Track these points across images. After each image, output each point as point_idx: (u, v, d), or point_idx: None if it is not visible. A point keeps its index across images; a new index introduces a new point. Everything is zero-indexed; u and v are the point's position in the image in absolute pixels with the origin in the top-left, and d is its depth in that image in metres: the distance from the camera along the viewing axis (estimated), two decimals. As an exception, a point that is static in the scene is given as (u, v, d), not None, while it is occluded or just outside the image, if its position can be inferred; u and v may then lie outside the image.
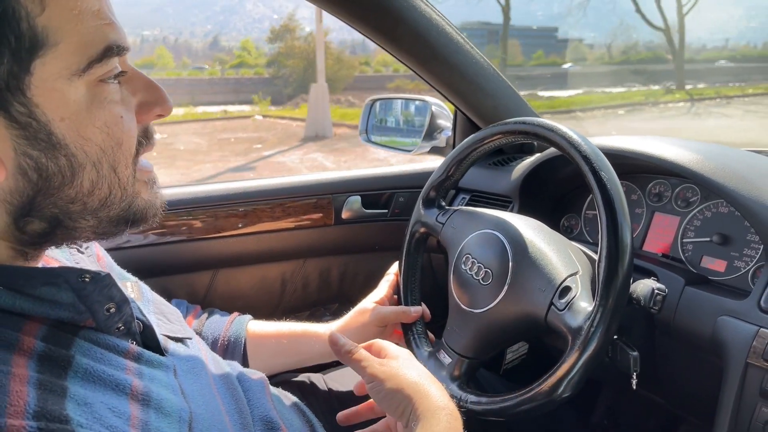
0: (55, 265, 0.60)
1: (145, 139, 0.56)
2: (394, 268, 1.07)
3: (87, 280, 0.52)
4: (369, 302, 0.99)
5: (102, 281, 0.54)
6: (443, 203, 1.03)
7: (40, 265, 0.56)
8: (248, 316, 1.01)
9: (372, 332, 0.95)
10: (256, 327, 0.99)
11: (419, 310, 0.97)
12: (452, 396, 0.81)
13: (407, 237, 1.04)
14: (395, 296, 1.03)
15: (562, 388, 0.71)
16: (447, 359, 0.88)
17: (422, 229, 1.02)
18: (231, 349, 0.95)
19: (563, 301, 0.75)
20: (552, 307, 0.76)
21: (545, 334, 0.91)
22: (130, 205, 0.54)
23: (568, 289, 0.77)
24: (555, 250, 0.83)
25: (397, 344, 0.77)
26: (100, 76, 0.48)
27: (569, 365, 0.71)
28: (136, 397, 0.50)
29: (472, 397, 0.81)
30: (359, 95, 19.28)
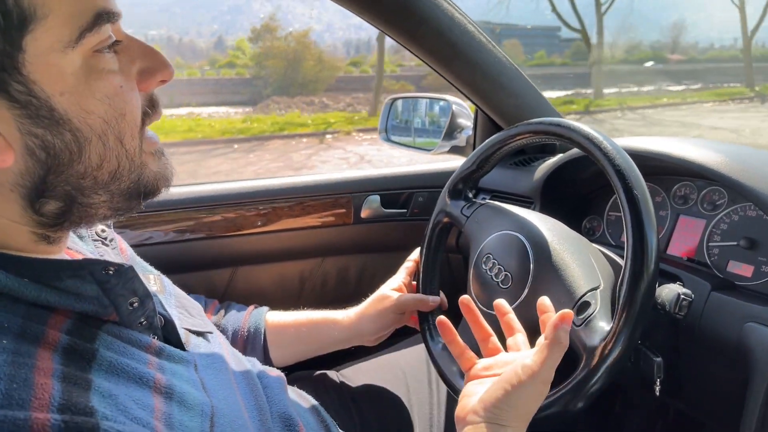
0: (81, 257, 0.60)
1: (151, 108, 0.55)
2: (414, 255, 1.07)
3: (111, 272, 0.52)
4: (388, 289, 0.99)
5: (126, 274, 0.54)
6: (470, 195, 1.03)
7: (64, 254, 0.57)
8: (265, 308, 1.02)
9: (390, 318, 0.96)
10: (275, 317, 1.00)
11: (437, 299, 0.97)
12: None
13: (430, 225, 1.03)
14: (414, 283, 1.03)
15: (572, 403, 0.70)
16: None
17: (446, 219, 1.02)
18: (251, 339, 0.96)
19: (581, 317, 0.73)
20: None
21: None
22: (140, 176, 0.53)
23: (587, 304, 0.75)
24: (578, 260, 0.81)
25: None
26: (95, 46, 0.47)
27: (579, 381, 0.70)
28: (160, 390, 0.50)
29: None
30: (335, 96, 18.99)
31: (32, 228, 0.50)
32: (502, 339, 0.75)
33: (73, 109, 0.46)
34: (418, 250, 1.06)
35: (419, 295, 0.97)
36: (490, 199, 1.30)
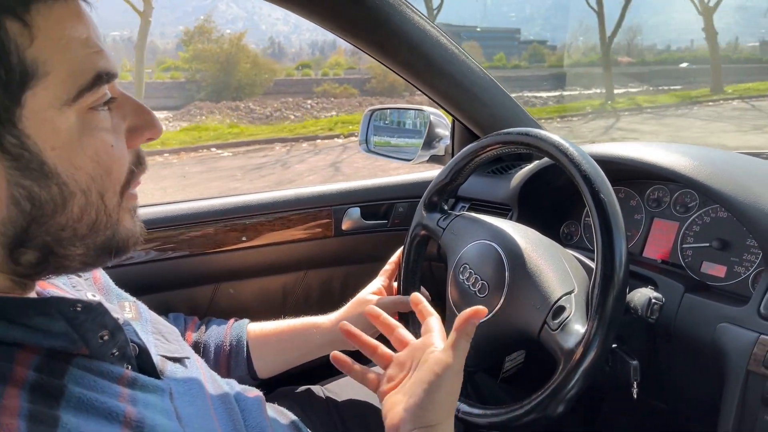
0: (52, 289, 0.60)
1: (137, 165, 0.56)
2: (393, 258, 1.08)
3: (79, 309, 0.52)
4: (367, 293, 1.00)
5: (94, 310, 0.54)
6: (445, 207, 1.04)
7: (36, 290, 0.56)
8: (246, 320, 1.02)
9: (370, 322, 0.95)
10: (256, 327, 1.00)
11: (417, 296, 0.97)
12: None
13: (407, 239, 1.04)
14: (394, 286, 1.04)
15: (551, 408, 0.71)
16: None
17: (423, 232, 1.03)
18: (234, 352, 0.95)
19: (557, 321, 0.75)
20: (545, 326, 0.76)
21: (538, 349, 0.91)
22: (114, 233, 0.54)
23: (562, 309, 0.76)
24: (552, 266, 0.83)
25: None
26: (91, 104, 0.48)
27: (557, 386, 0.71)
28: (130, 424, 0.49)
29: (464, 407, 0.81)
30: (263, 101, 18.55)
31: (9, 275, 0.50)
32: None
33: (63, 164, 0.47)
34: (397, 253, 1.07)
35: (398, 297, 0.98)
36: (468, 208, 1.32)
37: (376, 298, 0.98)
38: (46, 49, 0.44)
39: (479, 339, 0.84)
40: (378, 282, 1.03)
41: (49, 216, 0.48)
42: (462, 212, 1.03)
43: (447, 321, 0.92)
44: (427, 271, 1.46)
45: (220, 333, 0.98)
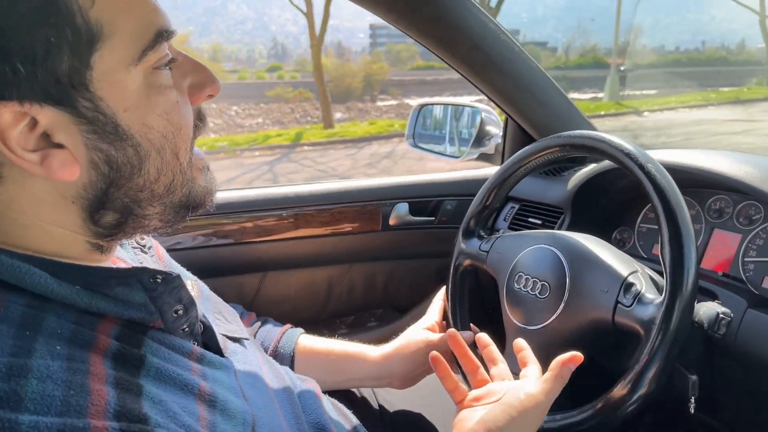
0: (122, 264, 0.61)
1: (200, 121, 0.57)
2: (441, 293, 1.03)
3: (159, 280, 0.53)
4: (418, 329, 0.94)
5: (172, 282, 0.54)
6: (483, 233, 1.02)
7: (111, 263, 0.58)
8: (300, 330, 0.99)
9: (421, 360, 0.90)
10: (307, 341, 0.96)
11: (470, 335, 0.91)
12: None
13: (451, 271, 1.02)
14: (444, 322, 0.99)
15: (645, 385, 0.69)
16: None
17: (467, 262, 1.00)
18: (280, 360, 0.93)
19: (629, 296, 0.74)
20: (618, 305, 0.75)
21: (606, 349, 0.89)
22: (191, 190, 0.55)
23: (632, 285, 0.76)
24: (610, 253, 0.82)
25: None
26: (154, 63, 0.49)
27: (647, 359, 0.69)
28: (204, 398, 0.50)
29: (558, 415, 0.79)
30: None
31: (88, 238, 0.52)
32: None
33: (136, 125, 0.48)
34: (443, 290, 1.03)
35: (449, 331, 0.88)
36: (518, 209, 1.30)
37: (427, 333, 0.93)
38: (107, 9, 0.45)
39: (545, 345, 0.83)
40: (430, 318, 0.97)
41: (127, 178, 0.49)
42: (502, 233, 1.01)
43: (507, 340, 0.89)
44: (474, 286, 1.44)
45: (271, 335, 0.96)
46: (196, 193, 0.56)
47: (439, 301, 1.02)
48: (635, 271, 0.78)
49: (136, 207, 0.52)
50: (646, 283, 0.76)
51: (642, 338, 0.71)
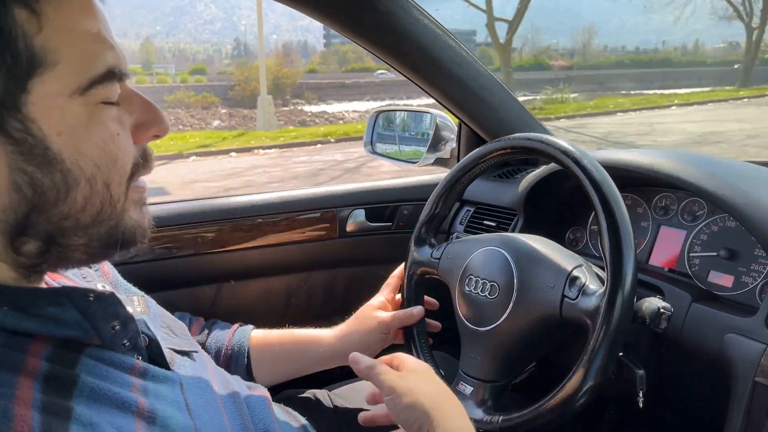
0: (63, 280, 0.60)
1: (143, 160, 0.55)
2: (396, 272, 1.06)
3: (91, 299, 0.52)
4: (370, 307, 0.98)
5: (106, 300, 0.53)
6: (434, 240, 1.03)
7: (46, 281, 0.56)
8: (250, 326, 1.01)
9: (375, 338, 0.96)
10: (259, 335, 0.99)
11: (421, 310, 0.97)
12: (482, 421, 0.81)
13: (405, 279, 1.02)
14: (398, 299, 1.03)
15: (593, 376, 0.71)
16: (468, 389, 0.87)
17: (419, 270, 1.01)
18: (234, 358, 0.95)
19: (574, 289, 0.77)
20: (565, 299, 0.77)
21: (559, 344, 0.91)
22: (118, 223, 0.53)
23: (576, 278, 0.78)
24: (555, 250, 0.85)
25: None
26: (102, 98, 0.48)
27: (593, 349, 0.71)
28: (142, 414, 0.49)
29: (502, 416, 0.81)
30: None
31: (11, 266, 0.50)
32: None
33: (68, 151, 0.47)
34: (400, 268, 1.05)
35: (402, 311, 0.97)
36: (473, 212, 1.32)
37: (380, 313, 0.97)
38: (55, 38, 0.45)
39: (498, 344, 0.84)
40: (381, 296, 1.01)
41: (52, 204, 0.48)
42: (450, 240, 1.03)
43: (462, 344, 0.91)
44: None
45: (222, 337, 0.97)
46: (124, 228, 0.54)
47: (392, 279, 1.04)
48: (579, 266, 0.81)
49: (60, 236, 0.50)
50: (590, 276, 0.78)
51: (589, 329, 0.73)
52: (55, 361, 0.47)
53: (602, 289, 0.73)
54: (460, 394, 0.87)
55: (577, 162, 0.78)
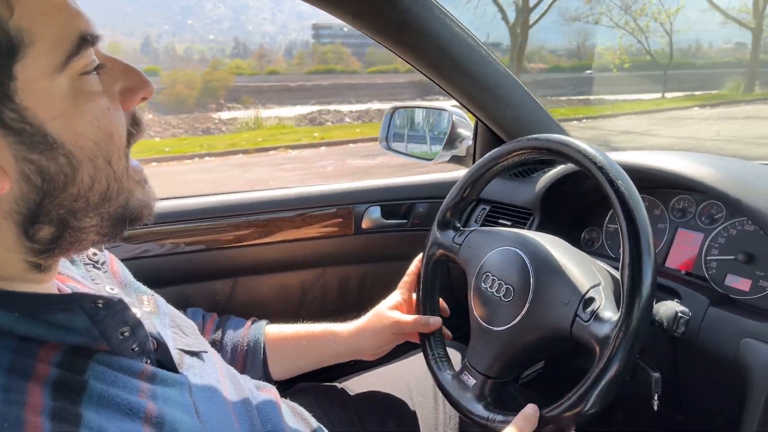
0: (71, 283, 0.60)
1: (135, 126, 0.56)
2: (411, 269, 1.05)
3: (100, 305, 0.52)
4: (386, 307, 0.98)
5: (115, 306, 0.54)
6: (458, 224, 1.02)
7: (54, 282, 0.57)
8: (264, 321, 1.02)
9: (388, 337, 0.96)
10: (274, 330, 0.99)
11: (438, 321, 0.96)
12: (479, 417, 0.80)
13: (424, 260, 1.02)
14: (413, 299, 1.02)
15: (591, 402, 0.70)
16: (471, 380, 0.87)
17: (439, 251, 1.00)
18: (251, 353, 0.95)
19: (588, 311, 0.75)
20: (577, 318, 0.75)
21: (568, 352, 0.90)
22: (127, 201, 0.54)
23: (591, 300, 0.76)
24: (576, 263, 0.82)
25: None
26: (81, 69, 0.48)
27: (596, 376, 0.69)
28: (150, 420, 0.50)
29: (499, 416, 0.80)
30: None
31: (25, 256, 0.50)
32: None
33: (65, 133, 0.47)
34: (415, 263, 1.05)
35: (420, 317, 0.96)
36: (489, 211, 1.32)
37: (395, 314, 0.97)
38: (27, 18, 0.44)
39: (506, 346, 0.84)
40: (397, 295, 1.01)
41: (61, 188, 0.48)
42: (476, 227, 1.01)
43: (471, 333, 0.91)
44: (446, 283, 1.45)
45: (237, 333, 0.98)
46: (133, 206, 0.55)
47: (408, 277, 1.03)
48: (597, 285, 0.78)
49: (72, 219, 0.50)
50: (605, 299, 0.76)
51: (596, 356, 0.71)
52: (64, 367, 0.48)
53: (616, 317, 0.70)
54: (463, 384, 0.87)
55: (597, 164, 0.76)
